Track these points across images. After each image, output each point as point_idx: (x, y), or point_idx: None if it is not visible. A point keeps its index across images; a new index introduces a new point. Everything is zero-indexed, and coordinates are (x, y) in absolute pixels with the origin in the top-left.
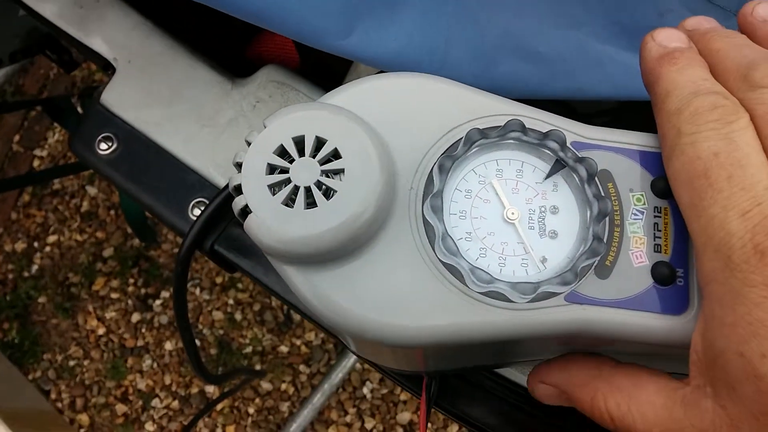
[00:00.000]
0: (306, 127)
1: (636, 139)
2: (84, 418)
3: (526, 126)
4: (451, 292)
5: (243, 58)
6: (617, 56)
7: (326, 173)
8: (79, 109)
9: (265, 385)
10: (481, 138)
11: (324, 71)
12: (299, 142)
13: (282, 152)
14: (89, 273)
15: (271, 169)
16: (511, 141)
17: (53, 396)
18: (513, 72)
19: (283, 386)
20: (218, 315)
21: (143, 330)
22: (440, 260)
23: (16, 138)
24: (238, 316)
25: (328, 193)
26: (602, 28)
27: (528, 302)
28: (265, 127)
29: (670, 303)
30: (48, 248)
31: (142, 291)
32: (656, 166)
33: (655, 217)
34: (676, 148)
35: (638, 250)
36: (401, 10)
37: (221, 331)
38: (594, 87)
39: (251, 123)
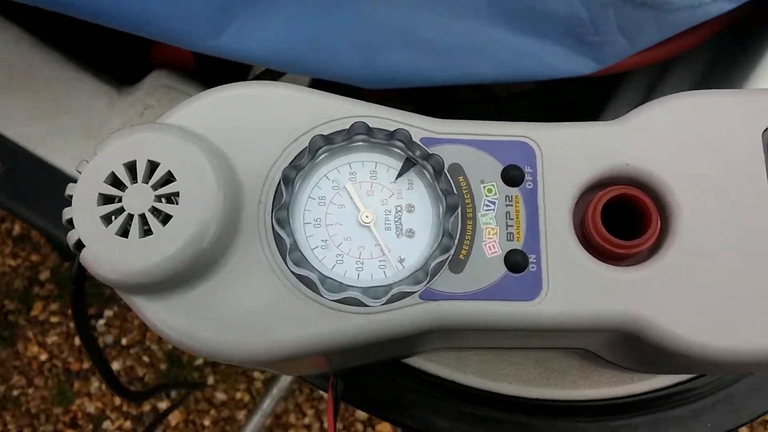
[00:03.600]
0: (137, 151)
1: (484, 129)
2: None
3: (372, 126)
4: (306, 303)
5: (146, 63)
6: (502, 39)
7: (161, 198)
8: None
9: (220, 396)
10: (325, 144)
11: (225, 70)
12: (132, 168)
13: (115, 180)
14: (26, 298)
15: (105, 199)
16: (361, 143)
17: None
18: (399, 60)
19: (238, 395)
20: None
21: None
22: (292, 272)
23: None
24: None
25: (166, 219)
26: (484, 11)
27: (383, 305)
28: (96, 155)
29: (524, 289)
30: None
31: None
32: (505, 154)
33: (506, 206)
34: None
35: (491, 241)
36: (276, 4)
37: (170, 346)
38: (483, 71)
39: None
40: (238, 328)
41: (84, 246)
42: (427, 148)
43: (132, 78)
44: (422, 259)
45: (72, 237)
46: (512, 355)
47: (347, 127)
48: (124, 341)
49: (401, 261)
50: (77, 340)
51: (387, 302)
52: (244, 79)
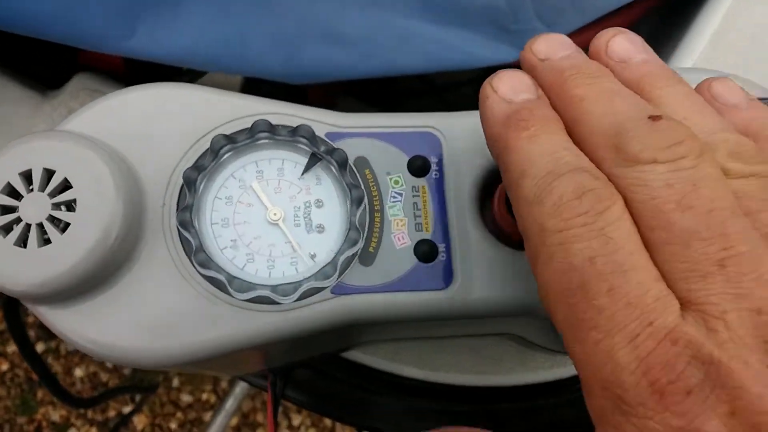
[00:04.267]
0: (32, 159)
1: (388, 121)
2: None
3: (274, 124)
4: (216, 304)
5: (75, 66)
6: (423, 30)
7: (59, 206)
8: None
9: (185, 398)
10: (228, 143)
11: (154, 71)
12: (29, 177)
13: (12, 190)
14: None
15: (3, 209)
16: (265, 141)
17: None
18: (320, 56)
19: (204, 396)
20: None
21: (50, 359)
22: (200, 273)
23: None
24: None
25: (65, 227)
26: (404, 3)
27: (295, 301)
28: None
29: (435, 278)
30: None
31: None
32: (410, 145)
33: (413, 196)
34: (542, 251)
35: (400, 232)
36: (186, 4)
37: None
38: (406, 63)
39: None
40: (148, 333)
41: None
42: (332, 143)
43: (61, 82)
44: (332, 253)
45: None
46: (448, 345)
47: (249, 125)
48: None
49: (313, 257)
50: (39, 348)
51: (298, 299)
52: (175, 79)
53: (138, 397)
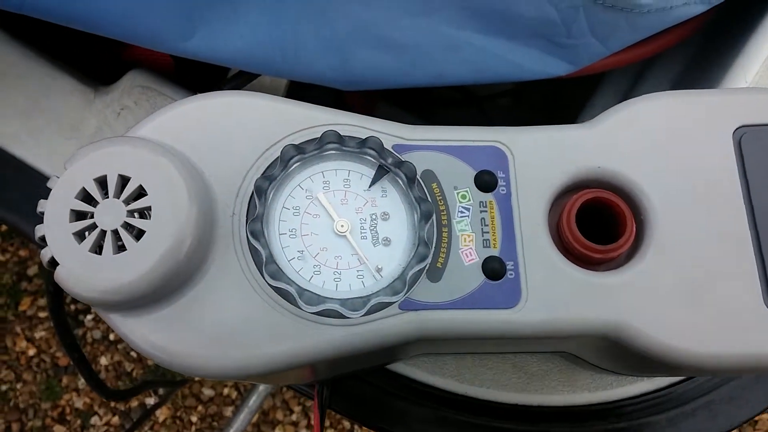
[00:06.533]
0: (108, 165)
1: (455, 135)
2: None
3: (343, 135)
4: (284, 316)
5: (120, 63)
6: (472, 40)
7: (133, 213)
8: None
9: (207, 392)
10: (297, 154)
11: (203, 71)
12: (104, 183)
13: (86, 196)
14: (14, 293)
15: (77, 215)
16: (333, 152)
17: None
18: (372, 63)
19: (226, 391)
20: None
21: None
22: (269, 285)
23: None
24: None
25: (139, 234)
26: (455, 13)
27: (363, 316)
28: (66, 169)
29: (503, 296)
30: None
31: (72, 307)
32: (477, 160)
33: (481, 212)
34: None
35: (467, 248)
36: (244, 7)
37: None
38: (453, 73)
39: (116, 132)
40: (216, 343)
41: (58, 264)
42: (399, 155)
43: (108, 78)
44: (399, 268)
45: (45, 255)
46: (490, 360)
47: (318, 135)
48: (111, 336)
49: (379, 270)
50: None
51: (366, 313)
52: (224, 80)
53: (162, 390)
